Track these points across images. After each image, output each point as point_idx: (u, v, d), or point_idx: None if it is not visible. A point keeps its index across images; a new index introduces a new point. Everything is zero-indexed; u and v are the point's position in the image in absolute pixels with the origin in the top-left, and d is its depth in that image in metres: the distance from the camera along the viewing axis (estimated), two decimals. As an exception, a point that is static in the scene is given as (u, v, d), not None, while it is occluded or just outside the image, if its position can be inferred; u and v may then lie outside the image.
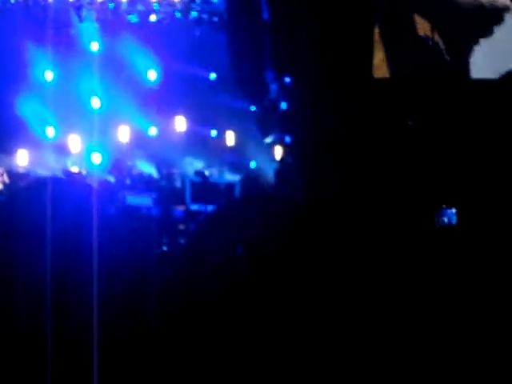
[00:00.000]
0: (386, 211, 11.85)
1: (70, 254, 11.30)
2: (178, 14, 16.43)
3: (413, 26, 14.43)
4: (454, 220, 11.92)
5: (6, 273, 10.56)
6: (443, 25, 14.51)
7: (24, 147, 16.56)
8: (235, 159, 16.48)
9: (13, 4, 16.57)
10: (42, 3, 16.51)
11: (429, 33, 14.50)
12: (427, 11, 14.48)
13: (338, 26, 13.85)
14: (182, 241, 13.94)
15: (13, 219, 11.94)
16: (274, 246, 12.02)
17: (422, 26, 14.58)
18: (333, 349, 9.86)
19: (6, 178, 16.27)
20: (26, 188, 15.38)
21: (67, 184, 16.02)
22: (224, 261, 11.81)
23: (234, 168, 16.41)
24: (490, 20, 14.45)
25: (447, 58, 14.52)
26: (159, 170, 16.76)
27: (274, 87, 15.78)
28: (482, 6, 14.26)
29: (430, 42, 14.55)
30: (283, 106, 15.72)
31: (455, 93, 14.04)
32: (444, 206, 12.11)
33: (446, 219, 11.96)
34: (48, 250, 10.77)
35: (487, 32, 14.46)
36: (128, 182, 16.58)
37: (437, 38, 14.55)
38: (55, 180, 16.10)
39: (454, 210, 11.93)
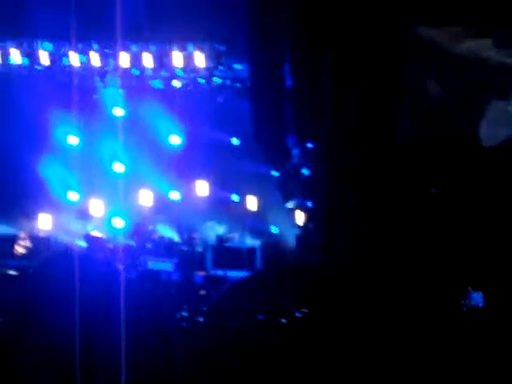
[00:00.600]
0: (410, 286, 11.76)
1: (95, 318, 11.29)
2: (201, 80, 16.59)
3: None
4: (481, 302, 11.63)
5: (34, 335, 10.60)
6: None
7: (46, 211, 16.67)
8: (257, 224, 16.45)
9: (39, 71, 16.83)
10: (68, 69, 16.75)
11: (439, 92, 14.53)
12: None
13: (360, 94, 13.93)
14: (203, 307, 13.87)
15: (41, 284, 11.98)
16: (296, 314, 11.95)
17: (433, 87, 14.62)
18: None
19: (28, 243, 16.32)
20: (51, 254, 15.46)
21: (90, 250, 16.09)
22: (245, 328, 11.73)
23: (256, 233, 16.38)
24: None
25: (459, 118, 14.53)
26: (180, 235, 16.75)
27: (296, 153, 15.85)
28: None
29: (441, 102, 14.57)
30: (305, 171, 15.75)
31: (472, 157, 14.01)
32: (470, 288, 11.94)
33: (472, 301, 11.69)
34: (74, 313, 10.79)
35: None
36: (149, 246, 16.57)
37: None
38: (78, 246, 16.22)
39: (480, 293, 11.67)
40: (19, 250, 16.26)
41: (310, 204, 15.67)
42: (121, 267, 15.19)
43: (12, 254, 16.18)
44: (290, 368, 10.49)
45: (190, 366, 10.79)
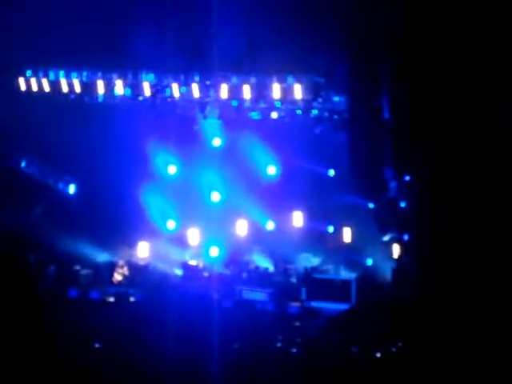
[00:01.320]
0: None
1: (191, 346, 11.42)
2: (299, 112, 16.67)
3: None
4: None
5: (131, 362, 10.78)
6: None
7: (145, 239, 16.96)
8: (352, 256, 16.36)
9: (141, 101, 17.20)
10: (169, 100, 17.07)
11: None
12: None
13: (460, 128, 13.76)
14: (298, 339, 13.84)
15: (140, 312, 12.21)
16: (390, 349, 11.81)
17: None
18: None
19: (126, 270, 16.62)
20: (150, 283, 15.69)
21: (187, 278, 16.30)
22: (339, 361, 11.66)
23: (351, 265, 16.28)
24: None
25: None
26: (275, 265, 16.79)
27: (393, 185, 15.73)
28: None
29: None
30: (402, 204, 15.60)
31: None
32: None
33: None
34: (171, 340, 10.94)
35: None
36: (244, 275, 16.65)
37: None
38: (175, 274, 16.45)
39: None
40: (117, 277, 16.58)
41: (406, 237, 15.50)
42: (216, 296, 15.32)
43: (111, 282, 16.51)
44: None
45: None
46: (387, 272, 15.61)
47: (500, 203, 13.68)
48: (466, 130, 14.00)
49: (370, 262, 16.18)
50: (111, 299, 15.76)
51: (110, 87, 17.13)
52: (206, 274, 16.46)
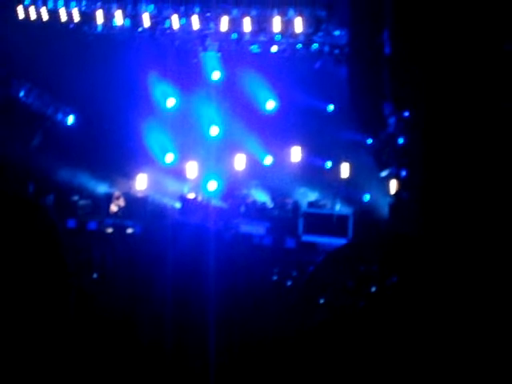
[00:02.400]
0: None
1: (188, 278, 11.53)
2: (299, 46, 16.55)
3: None
4: None
5: (131, 295, 10.91)
6: None
7: (144, 172, 16.99)
8: (349, 192, 16.41)
9: (140, 32, 17.07)
10: (168, 32, 16.94)
11: None
12: None
13: (458, 64, 13.67)
14: (294, 272, 13.97)
15: (136, 241, 12.31)
16: (386, 284, 11.94)
17: None
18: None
19: (121, 202, 16.67)
20: (148, 217, 15.77)
21: (185, 211, 16.37)
22: (335, 294, 11.79)
23: (348, 200, 16.33)
24: None
25: None
26: (273, 200, 16.86)
27: (392, 121, 15.68)
28: None
29: None
30: (400, 140, 15.58)
31: None
32: None
33: None
34: (169, 272, 11.05)
35: None
36: (242, 209, 16.73)
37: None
38: (173, 208, 16.49)
39: None
40: (113, 208, 16.63)
41: (404, 173, 15.52)
42: (213, 228, 15.42)
43: (109, 213, 16.59)
44: (377, 336, 10.51)
45: (279, 330, 10.91)
46: (384, 208, 15.66)
47: (499, 144, 13.69)
48: (468, 68, 13.91)
49: (367, 197, 16.23)
50: (109, 230, 15.90)
51: (109, 17, 17.01)
52: (204, 208, 16.54)
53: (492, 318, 10.30)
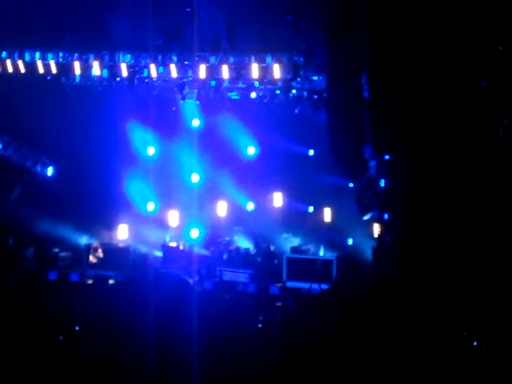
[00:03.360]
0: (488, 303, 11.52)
1: (171, 327, 11.37)
2: (278, 92, 16.59)
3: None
4: None
5: (113, 345, 10.75)
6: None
7: (125, 222, 16.88)
8: (332, 236, 16.36)
9: (118, 82, 17.08)
10: (147, 81, 16.96)
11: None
12: None
13: (436, 106, 13.73)
14: (278, 317, 13.84)
15: (118, 292, 12.15)
16: (370, 329, 11.81)
17: None
18: None
19: (100, 253, 16.53)
20: (130, 265, 15.65)
21: (167, 260, 16.25)
22: (319, 340, 11.65)
23: (332, 245, 16.28)
24: None
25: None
26: (256, 246, 16.77)
27: (372, 164, 15.70)
28: None
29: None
30: (382, 183, 15.59)
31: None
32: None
33: None
34: (151, 321, 10.90)
35: None
36: (225, 256, 16.61)
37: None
38: (155, 257, 16.37)
39: None
40: (92, 259, 16.47)
41: (386, 216, 15.49)
42: (195, 278, 15.28)
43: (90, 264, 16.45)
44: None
45: (264, 376, 10.75)
46: (368, 251, 15.62)
47: (481, 179, 13.69)
48: (446, 109, 13.98)
49: (350, 241, 16.19)
50: (90, 281, 15.75)
51: (86, 68, 17.02)
52: (186, 255, 16.43)
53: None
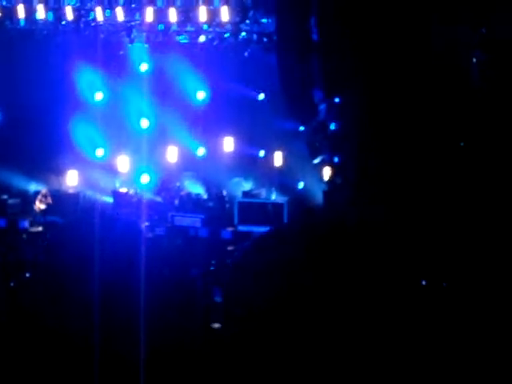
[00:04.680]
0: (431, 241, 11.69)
1: (120, 273, 11.37)
2: (227, 35, 16.44)
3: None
4: None
5: (61, 286, 10.76)
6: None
7: (74, 168, 16.71)
8: (283, 180, 16.39)
9: (64, 25, 16.78)
10: (93, 24, 16.68)
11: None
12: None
13: (386, 45, 13.72)
14: (228, 260, 13.93)
15: (67, 238, 12.12)
16: (319, 271, 11.92)
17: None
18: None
19: (49, 199, 16.37)
20: (79, 211, 15.52)
21: (117, 205, 16.16)
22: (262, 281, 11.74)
23: (283, 188, 16.31)
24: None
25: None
26: (208, 191, 16.74)
27: (322, 107, 15.69)
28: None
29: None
30: (332, 126, 15.61)
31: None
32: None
33: None
34: (99, 267, 10.88)
35: None
36: (176, 202, 16.57)
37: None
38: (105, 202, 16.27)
39: None
40: (40, 206, 16.32)
41: (336, 159, 15.54)
42: (146, 224, 15.25)
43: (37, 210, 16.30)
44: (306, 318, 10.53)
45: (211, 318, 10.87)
46: (319, 194, 15.68)
47: (429, 117, 13.78)
48: (394, 50, 13.98)
49: (301, 185, 16.23)
50: (39, 228, 15.63)
51: (30, 12, 16.68)
52: (137, 201, 16.35)
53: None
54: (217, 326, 11.58)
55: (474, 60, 14.13)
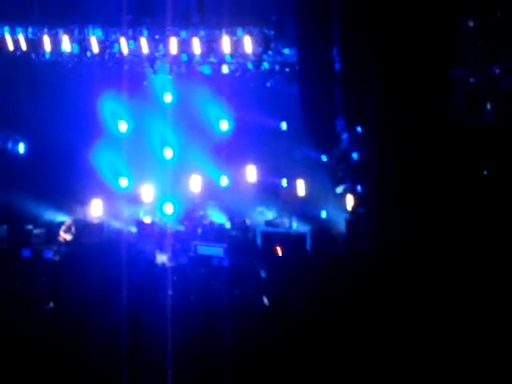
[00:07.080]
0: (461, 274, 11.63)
1: (144, 302, 11.39)
2: (249, 66, 16.58)
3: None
4: None
5: (85, 319, 10.77)
6: None
7: (98, 197, 16.82)
8: (306, 209, 16.40)
9: (89, 58, 16.97)
10: (118, 56, 16.86)
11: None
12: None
13: (409, 75, 13.75)
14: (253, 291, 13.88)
15: (91, 268, 12.14)
16: (344, 300, 11.87)
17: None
18: None
19: (73, 230, 16.45)
20: (104, 241, 15.57)
21: (141, 235, 16.22)
22: (296, 311, 11.71)
23: (305, 218, 16.32)
24: None
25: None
26: (230, 220, 16.78)
27: (345, 137, 15.74)
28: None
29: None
30: (354, 155, 15.64)
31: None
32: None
33: None
34: (124, 296, 10.91)
35: None
36: (199, 231, 16.61)
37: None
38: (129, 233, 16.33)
39: None
40: (65, 236, 16.39)
41: (359, 188, 15.56)
42: (169, 253, 15.28)
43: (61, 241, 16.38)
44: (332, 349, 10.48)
45: (237, 349, 10.81)
46: (342, 224, 15.68)
47: (452, 148, 13.77)
48: (417, 80, 14.00)
49: (324, 214, 16.23)
50: (63, 258, 15.66)
51: (56, 43, 16.89)
52: (160, 231, 16.40)
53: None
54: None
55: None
